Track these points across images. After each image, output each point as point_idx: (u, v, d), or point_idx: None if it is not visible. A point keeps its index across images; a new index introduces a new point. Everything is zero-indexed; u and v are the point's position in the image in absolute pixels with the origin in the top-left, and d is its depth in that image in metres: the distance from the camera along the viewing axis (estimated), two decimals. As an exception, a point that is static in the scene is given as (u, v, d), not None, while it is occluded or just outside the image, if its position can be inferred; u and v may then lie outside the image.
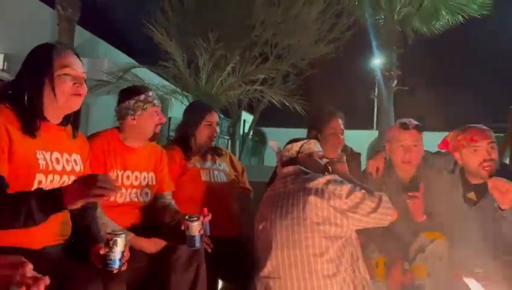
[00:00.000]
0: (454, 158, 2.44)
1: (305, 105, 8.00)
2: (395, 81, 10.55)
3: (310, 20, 8.87)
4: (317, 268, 1.84)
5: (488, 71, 19.95)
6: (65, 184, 1.58)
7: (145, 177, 2.21)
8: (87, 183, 1.37)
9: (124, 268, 1.50)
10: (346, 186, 1.94)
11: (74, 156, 1.71)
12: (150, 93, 2.18)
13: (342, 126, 2.63)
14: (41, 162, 1.55)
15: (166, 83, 8.28)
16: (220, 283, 2.45)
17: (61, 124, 1.67)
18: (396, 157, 2.51)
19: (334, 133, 2.59)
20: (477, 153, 2.28)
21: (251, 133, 11.39)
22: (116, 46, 10.65)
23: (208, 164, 2.64)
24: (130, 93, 2.17)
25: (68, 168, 1.66)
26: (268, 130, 15.75)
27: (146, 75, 8.30)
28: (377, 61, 11.19)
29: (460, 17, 10.51)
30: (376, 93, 12.96)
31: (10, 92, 1.59)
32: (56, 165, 1.61)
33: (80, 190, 1.38)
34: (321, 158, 2.21)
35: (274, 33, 8.96)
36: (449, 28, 10.76)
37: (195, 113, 2.64)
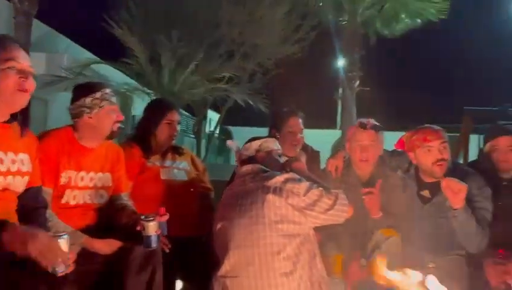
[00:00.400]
0: (409, 158, 2.53)
1: (270, 104, 8.05)
2: (358, 82, 10.77)
3: (275, 20, 8.93)
4: (275, 266, 1.85)
5: (445, 73, 20.77)
6: (10, 186, 1.53)
7: (100, 178, 2.14)
8: (38, 248, 1.33)
9: (69, 270, 1.45)
10: (304, 184, 1.96)
11: (21, 155, 1.64)
12: (107, 90, 2.11)
13: (301, 125, 2.66)
14: None
15: (128, 80, 8.10)
16: (180, 284, 2.43)
17: (7, 121, 1.60)
18: (354, 155, 2.58)
19: (292, 131, 2.62)
20: (430, 153, 2.37)
21: (217, 132, 11.35)
22: (78, 42, 10.35)
23: (168, 162, 2.61)
24: (86, 90, 2.09)
25: (13, 169, 1.59)
26: (234, 129, 15.72)
27: (108, 71, 8.10)
28: (341, 62, 11.41)
29: (419, 20, 10.87)
30: (340, 94, 13.20)
31: None
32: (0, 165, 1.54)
33: (23, 244, 1.34)
34: (280, 156, 2.23)
35: (240, 32, 8.96)
36: (409, 31, 11.12)
37: (155, 112, 2.60)
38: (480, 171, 2.51)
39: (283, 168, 2.18)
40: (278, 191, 1.93)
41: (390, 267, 2.26)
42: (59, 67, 7.46)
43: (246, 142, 2.24)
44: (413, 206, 2.48)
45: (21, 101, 1.58)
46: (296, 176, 2.02)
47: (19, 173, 1.61)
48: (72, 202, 2.04)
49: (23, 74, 1.55)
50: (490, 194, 2.36)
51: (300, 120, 2.67)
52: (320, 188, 1.98)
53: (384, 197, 2.50)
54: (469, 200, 2.27)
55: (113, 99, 2.13)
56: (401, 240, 2.39)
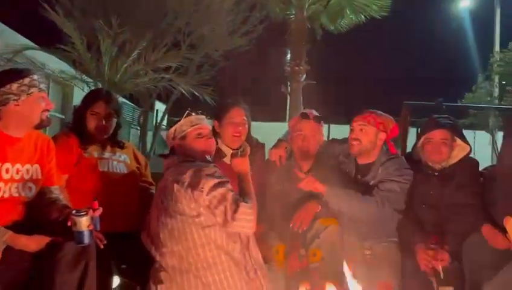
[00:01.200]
0: (346, 144, 2.63)
1: (217, 96, 7.97)
2: (304, 76, 10.97)
3: (223, 11, 8.84)
4: (201, 258, 1.84)
5: (387, 69, 21.64)
6: None
7: (28, 170, 2.02)
8: None
9: None
10: (211, 181, 1.86)
11: None
12: (35, 77, 1.98)
13: (244, 117, 2.65)
14: None
15: (67, 68, 7.67)
16: (118, 280, 2.35)
17: None
18: (295, 145, 2.62)
19: (232, 122, 2.60)
20: (351, 133, 2.59)
21: (165, 124, 11.10)
22: (12, 26, 9.69)
23: (107, 154, 2.51)
24: (13, 76, 1.95)
25: None
26: (183, 121, 15.43)
27: (45, 59, 7.63)
28: (288, 55, 11.55)
29: (362, 16, 11.24)
30: (288, 87, 13.37)
31: None
32: None
33: None
34: (201, 135, 2.11)
35: (187, 22, 8.79)
36: (353, 26, 11.46)
37: (83, 102, 2.51)
38: (414, 161, 2.65)
39: (205, 152, 2.11)
40: (186, 185, 1.87)
41: (328, 256, 2.34)
42: (-13, 52, 6.92)
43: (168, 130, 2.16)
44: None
45: None
46: (210, 170, 1.91)
47: None
48: None
49: None
50: (409, 178, 2.52)
51: (243, 111, 2.65)
52: (229, 191, 1.86)
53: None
54: (382, 180, 2.47)
55: (43, 86, 2.01)
56: (340, 228, 2.45)
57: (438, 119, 2.64)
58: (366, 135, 2.54)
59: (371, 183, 2.50)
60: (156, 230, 1.94)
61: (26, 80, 1.94)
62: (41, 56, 7.72)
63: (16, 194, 1.96)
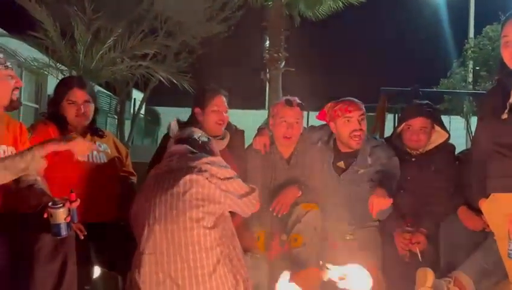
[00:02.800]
0: (329, 130, 2.63)
1: (196, 84, 7.89)
2: (283, 63, 10.94)
3: (199, -3, 8.73)
4: (194, 241, 1.84)
5: (365, 55, 21.83)
6: None
7: (4, 151, 1.95)
8: None
9: None
10: (227, 171, 1.99)
11: None
12: (1, 56, 1.93)
13: (226, 104, 2.64)
14: None
15: (40, 55, 7.45)
16: (98, 270, 2.33)
17: None
18: (278, 132, 2.62)
19: (216, 110, 2.58)
20: (349, 123, 2.52)
21: (143, 113, 10.94)
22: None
23: (87, 143, 2.46)
24: None
25: None
26: (161, 109, 15.27)
27: (16, 46, 7.40)
28: (266, 42, 11.49)
29: (340, 3, 11.25)
30: (267, 74, 13.34)
31: None
32: None
33: None
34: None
35: (164, 8, 8.63)
36: (331, 13, 11.47)
37: (57, 91, 2.45)
38: (393, 147, 2.69)
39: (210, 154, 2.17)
40: (202, 171, 1.93)
41: (308, 239, 2.37)
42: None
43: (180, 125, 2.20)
44: (330, 178, 2.59)
45: None
46: (222, 162, 2.04)
47: None
48: None
49: None
50: (398, 163, 2.56)
51: (224, 99, 2.64)
52: (239, 179, 2.03)
53: (305, 172, 2.59)
54: (379, 171, 2.47)
55: (9, 64, 1.95)
56: (320, 213, 2.48)
57: (420, 107, 2.67)
58: (365, 125, 2.55)
59: (360, 172, 2.52)
60: (147, 211, 1.91)
61: None
62: (12, 43, 7.48)
63: None
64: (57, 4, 7.01)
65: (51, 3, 6.98)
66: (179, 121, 2.68)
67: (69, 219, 1.78)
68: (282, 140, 2.62)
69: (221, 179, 1.95)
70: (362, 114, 2.53)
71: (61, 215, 1.74)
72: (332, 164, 2.62)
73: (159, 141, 2.96)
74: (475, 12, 14.61)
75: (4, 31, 7.81)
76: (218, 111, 2.60)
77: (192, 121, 2.59)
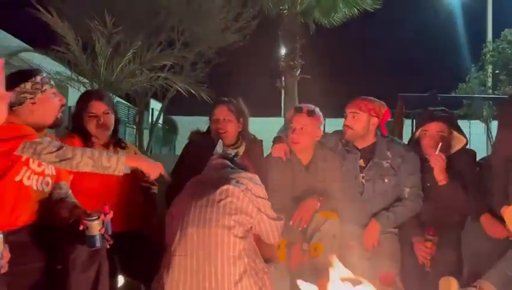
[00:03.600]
0: (341, 135, 2.68)
1: (213, 93, 7.97)
2: (299, 70, 10.98)
3: (215, 8, 8.82)
4: (224, 247, 1.88)
5: (382, 62, 21.70)
6: None
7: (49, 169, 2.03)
8: None
9: (3, 271, 1.37)
10: (262, 190, 2.08)
11: None
12: (44, 74, 2.04)
13: (229, 112, 2.67)
14: None
15: (62, 69, 7.65)
16: (122, 279, 2.38)
17: None
18: (288, 138, 2.66)
19: (215, 119, 2.67)
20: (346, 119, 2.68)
21: (161, 122, 11.07)
22: (6, 29, 9.64)
23: (110, 155, 2.52)
24: (23, 75, 1.98)
25: None
26: (179, 119, 15.42)
27: (39, 60, 7.60)
28: (282, 50, 11.56)
29: (356, 10, 11.25)
30: (283, 82, 13.39)
31: None
32: None
33: None
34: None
35: (179, 20, 8.77)
36: (346, 20, 11.48)
37: (79, 104, 2.51)
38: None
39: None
40: (239, 183, 2.01)
41: (328, 248, 2.38)
42: (-17, 56, 6.88)
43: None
44: (353, 178, 2.65)
45: None
46: (259, 180, 2.13)
47: None
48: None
49: None
50: (417, 156, 2.63)
51: (227, 108, 2.69)
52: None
53: (325, 177, 2.62)
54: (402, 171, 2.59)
55: (52, 82, 2.06)
56: (339, 221, 2.49)
57: (433, 112, 2.67)
58: (358, 122, 2.61)
59: (385, 165, 2.61)
60: (183, 215, 1.97)
61: (38, 78, 1.98)
62: (36, 58, 7.69)
63: (40, 188, 1.98)
64: (78, 19, 7.20)
65: (73, 18, 7.16)
66: (198, 131, 2.75)
67: (103, 230, 1.84)
68: (291, 146, 2.65)
69: (256, 196, 2.02)
70: (352, 112, 2.63)
71: (96, 227, 1.81)
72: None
73: (177, 150, 3.03)
74: (493, 14, 14.44)
75: (29, 46, 8.05)
76: (217, 120, 2.67)
77: (209, 131, 2.71)
